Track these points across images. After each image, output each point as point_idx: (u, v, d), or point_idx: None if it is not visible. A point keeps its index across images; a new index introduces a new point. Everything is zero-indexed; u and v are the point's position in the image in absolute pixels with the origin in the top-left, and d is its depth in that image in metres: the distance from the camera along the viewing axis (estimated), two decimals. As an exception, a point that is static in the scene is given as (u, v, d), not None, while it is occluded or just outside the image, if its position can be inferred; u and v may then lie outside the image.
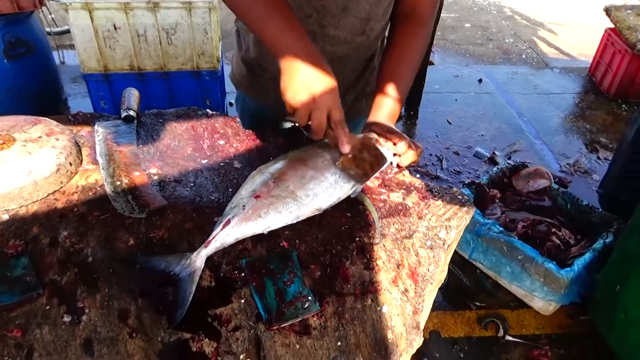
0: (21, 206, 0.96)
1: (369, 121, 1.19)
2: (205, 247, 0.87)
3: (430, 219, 1.04)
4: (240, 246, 0.92)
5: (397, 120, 1.23)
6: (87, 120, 1.26)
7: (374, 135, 1.12)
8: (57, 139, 1.05)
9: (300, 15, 1.17)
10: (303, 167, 1.02)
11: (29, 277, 0.82)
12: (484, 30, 5.88)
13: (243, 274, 0.87)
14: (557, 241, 2.37)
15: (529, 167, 2.79)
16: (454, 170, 3.33)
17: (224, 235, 0.89)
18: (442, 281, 1.06)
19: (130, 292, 0.83)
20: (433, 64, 4.69)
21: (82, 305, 0.80)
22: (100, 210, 0.97)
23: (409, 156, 1.12)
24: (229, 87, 3.34)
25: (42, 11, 4.12)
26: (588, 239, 2.40)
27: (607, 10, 4.36)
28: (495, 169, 2.80)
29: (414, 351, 0.86)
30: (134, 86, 1.38)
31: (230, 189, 1.06)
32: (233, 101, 3.60)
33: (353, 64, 1.35)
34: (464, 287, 2.45)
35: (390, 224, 1.02)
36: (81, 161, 1.10)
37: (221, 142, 1.22)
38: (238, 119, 1.33)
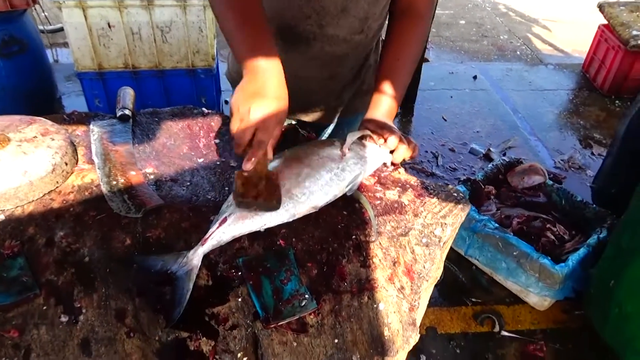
0: (17, 206, 0.96)
1: (365, 118, 1.20)
2: (202, 244, 0.87)
3: (425, 217, 1.04)
4: (237, 245, 0.92)
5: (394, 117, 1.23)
6: (82, 119, 1.25)
7: (367, 133, 1.12)
8: (53, 139, 1.05)
9: (299, 16, 1.18)
10: (299, 166, 1.02)
11: (25, 277, 0.82)
12: (479, 27, 5.89)
13: (240, 273, 0.88)
14: (552, 237, 2.39)
15: (524, 164, 2.80)
16: (449, 167, 3.33)
17: (221, 233, 0.89)
18: (438, 278, 1.07)
19: (128, 291, 0.83)
20: (428, 60, 4.69)
21: (79, 305, 0.80)
22: (97, 210, 0.97)
23: (401, 152, 1.12)
24: (224, 85, 3.34)
25: (35, 9, 4.09)
26: (582, 234, 2.41)
27: (601, 7, 4.37)
28: (490, 165, 2.80)
29: (410, 348, 0.86)
30: (129, 84, 1.38)
31: (227, 188, 1.06)
32: (228, 99, 3.60)
33: (351, 62, 1.35)
34: (460, 283, 2.46)
35: (386, 221, 1.02)
36: (77, 161, 1.09)
37: (217, 140, 1.22)
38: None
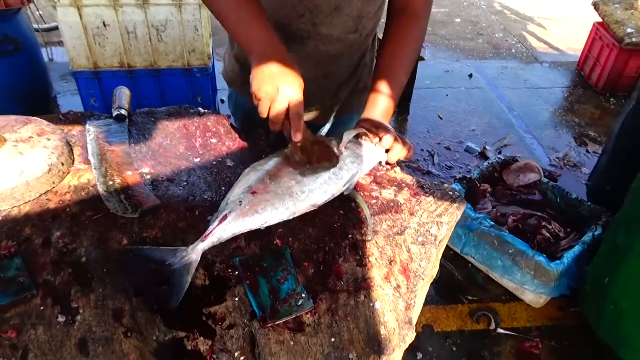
0: (13, 207, 0.96)
1: (362, 117, 1.20)
2: (202, 241, 0.87)
3: (421, 215, 1.05)
4: (233, 244, 0.93)
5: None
6: (78, 119, 1.25)
7: (362, 131, 1.13)
8: (49, 139, 1.05)
9: (293, 15, 1.18)
10: (297, 164, 1.04)
11: (22, 277, 0.82)
12: (474, 25, 5.90)
13: (237, 272, 0.88)
14: (547, 234, 2.40)
15: (519, 162, 2.81)
16: (445, 165, 3.34)
17: (221, 230, 0.89)
18: (434, 276, 1.07)
19: (125, 291, 0.83)
20: (424, 59, 4.69)
21: (76, 305, 0.80)
22: (93, 210, 0.97)
23: (396, 152, 1.13)
24: (220, 84, 3.33)
25: (29, 8, 4.07)
26: (577, 231, 2.43)
27: (595, 5, 4.39)
28: (485, 163, 2.82)
29: (407, 346, 0.87)
30: (124, 83, 1.37)
31: (223, 188, 1.07)
32: (224, 98, 3.60)
33: (346, 61, 1.35)
34: (456, 281, 2.47)
35: (382, 220, 1.02)
36: (73, 161, 1.09)
37: (213, 140, 1.22)
38: (230, 117, 1.33)
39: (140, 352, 0.76)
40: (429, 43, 5.27)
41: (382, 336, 0.84)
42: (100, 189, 1.01)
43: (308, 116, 1.45)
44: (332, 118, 1.51)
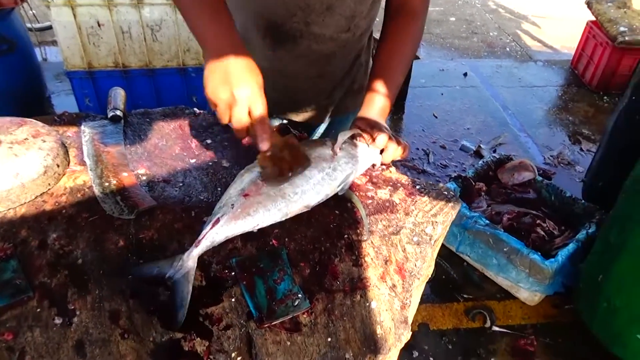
0: (9, 209, 0.96)
1: (358, 116, 1.20)
2: (196, 246, 0.87)
3: (416, 215, 1.06)
4: (230, 245, 0.93)
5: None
6: (73, 120, 1.25)
7: (357, 132, 1.13)
8: (44, 141, 1.05)
9: (285, 14, 1.18)
10: (291, 165, 1.03)
11: (18, 280, 0.82)
12: (469, 24, 5.92)
13: (233, 273, 0.88)
14: (542, 232, 2.41)
15: (514, 160, 2.82)
16: (440, 164, 3.36)
17: (214, 234, 0.90)
18: (430, 275, 1.08)
19: (121, 293, 0.83)
20: (419, 58, 4.70)
21: (73, 307, 0.80)
22: (89, 211, 0.97)
23: (390, 152, 1.12)
24: (215, 83, 3.33)
25: (22, 7, 4.05)
26: (571, 229, 2.45)
27: (589, 4, 4.41)
28: (480, 162, 2.83)
29: (403, 345, 0.87)
30: (119, 83, 1.37)
31: (219, 188, 1.07)
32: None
33: (340, 61, 1.36)
34: (451, 279, 2.49)
35: (377, 220, 1.03)
36: (68, 162, 1.09)
37: (209, 141, 1.22)
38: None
39: (138, 353, 0.77)
40: (424, 42, 5.28)
41: (378, 336, 0.84)
42: (96, 190, 1.01)
43: (303, 116, 1.45)
44: (327, 118, 1.51)
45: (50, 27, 4.10)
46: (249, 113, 0.93)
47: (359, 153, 1.10)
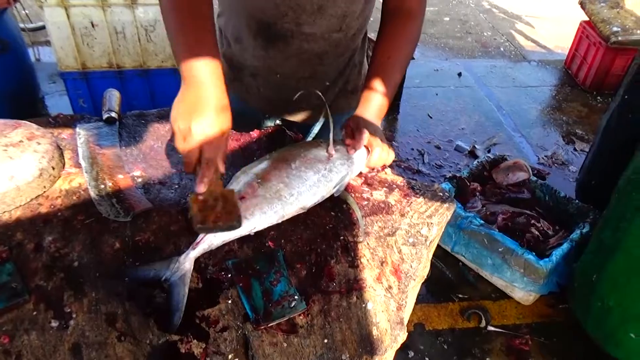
0: (4, 212, 0.96)
1: (353, 115, 1.20)
2: (193, 248, 0.88)
3: (412, 216, 1.06)
4: (226, 247, 0.93)
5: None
6: (68, 122, 1.25)
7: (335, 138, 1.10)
8: (39, 143, 1.04)
9: (276, 14, 1.18)
10: (286, 167, 1.03)
11: (14, 283, 0.82)
12: (463, 24, 5.93)
13: (230, 275, 0.89)
14: (536, 232, 2.43)
15: (508, 160, 2.84)
16: (435, 164, 3.36)
17: (212, 237, 0.90)
18: (425, 276, 1.09)
19: (118, 295, 0.83)
20: (413, 58, 4.71)
21: (69, 310, 0.80)
22: (85, 214, 0.97)
23: (375, 157, 1.10)
24: (210, 84, 3.33)
25: (15, 7, 4.03)
26: (565, 229, 2.46)
27: (582, 4, 4.43)
28: (475, 162, 2.84)
29: (399, 346, 0.88)
30: (113, 84, 1.37)
31: (215, 190, 1.07)
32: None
33: (333, 60, 1.36)
34: (446, 279, 2.49)
35: (373, 222, 1.03)
36: (64, 165, 1.09)
37: (204, 142, 1.22)
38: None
39: (134, 355, 0.77)
40: (419, 42, 5.28)
41: (375, 337, 0.85)
42: (92, 192, 1.01)
43: (296, 117, 1.45)
44: (321, 118, 1.51)
45: (43, 27, 4.07)
46: (201, 153, 0.89)
47: (354, 155, 1.10)
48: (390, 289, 0.92)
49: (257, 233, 0.96)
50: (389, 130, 3.68)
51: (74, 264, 0.87)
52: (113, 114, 1.23)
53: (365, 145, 1.10)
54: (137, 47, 2.86)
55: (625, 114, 2.38)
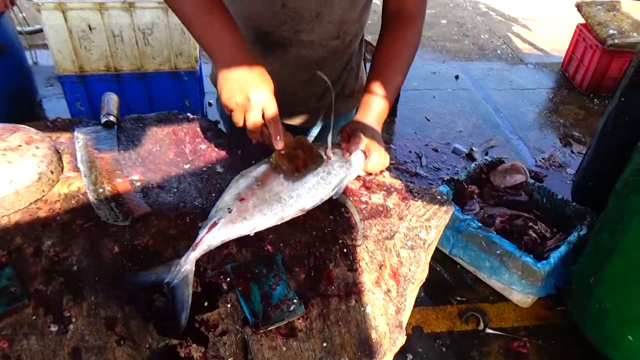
0: (3, 216, 0.96)
1: (353, 119, 1.20)
2: (193, 249, 0.88)
3: (410, 220, 1.06)
4: (225, 251, 0.93)
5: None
6: (66, 126, 1.25)
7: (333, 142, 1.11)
8: (37, 147, 1.05)
9: (275, 22, 1.19)
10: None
11: (13, 287, 0.82)
12: (460, 27, 5.95)
13: (229, 279, 0.89)
14: (534, 235, 2.43)
15: (506, 163, 2.84)
16: (433, 166, 3.37)
17: (211, 238, 0.90)
18: (424, 280, 1.09)
19: (117, 299, 0.83)
20: (411, 61, 4.73)
21: (68, 315, 0.81)
22: (84, 218, 0.97)
23: (372, 162, 1.12)
24: (208, 87, 3.33)
25: (12, 10, 4.02)
26: (563, 232, 2.46)
27: (578, 6, 4.45)
28: (473, 165, 2.84)
29: (397, 349, 0.88)
30: (111, 87, 1.37)
31: (214, 194, 1.07)
32: (212, 101, 3.59)
33: (331, 65, 1.36)
34: (445, 282, 2.50)
35: (372, 225, 1.04)
36: (62, 169, 1.09)
37: (203, 146, 1.23)
38: (219, 121, 1.34)
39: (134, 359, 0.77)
40: (416, 45, 5.30)
41: (373, 340, 0.85)
42: (91, 196, 1.01)
43: (294, 120, 1.46)
44: (319, 122, 1.52)
45: (40, 30, 4.07)
46: (263, 116, 0.98)
47: (352, 158, 1.11)
48: (389, 293, 0.93)
49: (256, 237, 0.96)
50: (387, 133, 3.69)
51: (73, 268, 0.87)
52: (111, 118, 1.23)
53: (362, 150, 1.11)
54: (134, 50, 2.86)
55: (622, 117, 2.39)
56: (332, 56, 1.32)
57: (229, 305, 0.85)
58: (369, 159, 1.11)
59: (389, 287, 0.94)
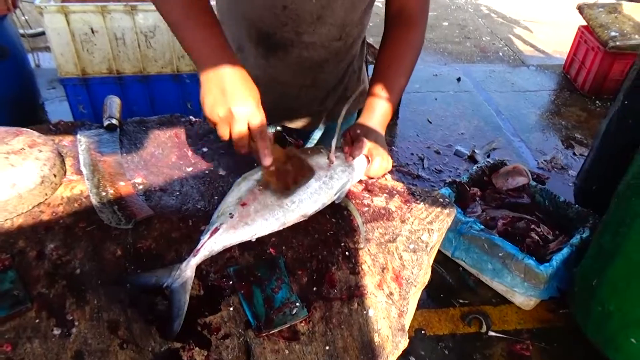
0: (6, 219, 0.96)
1: (356, 122, 1.20)
2: (194, 255, 0.88)
3: (413, 223, 1.06)
4: (227, 254, 0.93)
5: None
6: (68, 129, 1.25)
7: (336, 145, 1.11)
8: (40, 150, 1.05)
9: (276, 24, 1.19)
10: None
11: (16, 290, 0.82)
12: (462, 29, 5.96)
13: (231, 282, 0.89)
14: (536, 237, 2.43)
15: (508, 165, 2.84)
16: (435, 169, 3.37)
17: (212, 243, 0.90)
18: (426, 283, 1.09)
19: (120, 302, 0.83)
20: (413, 63, 4.73)
21: (71, 318, 0.81)
22: (87, 221, 0.97)
23: (375, 166, 1.11)
24: (210, 89, 3.33)
25: (15, 13, 4.04)
26: (565, 234, 2.46)
27: (580, 8, 4.45)
28: (475, 167, 2.84)
29: (400, 353, 0.88)
30: (113, 90, 1.38)
31: (216, 197, 1.07)
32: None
33: (332, 68, 1.36)
34: (447, 285, 2.49)
35: (374, 228, 1.04)
36: (65, 172, 1.09)
37: (205, 149, 1.23)
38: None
39: (136, 363, 0.77)
40: (418, 47, 5.30)
41: (376, 343, 0.85)
42: (93, 200, 1.01)
43: (296, 123, 1.46)
44: (321, 125, 1.52)
45: (42, 33, 4.09)
46: (249, 128, 0.94)
47: (354, 162, 1.10)
48: (391, 296, 0.92)
49: (258, 240, 0.96)
50: (389, 136, 3.69)
51: (75, 271, 0.87)
52: (114, 121, 1.24)
53: (365, 155, 1.11)
54: (137, 53, 2.87)
55: (624, 119, 2.39)
56: (334, 58, 1.32)
57: (231, 309, 0.85)
58: (372, 163, 1.11)
59: (392, 290, 0.93)
